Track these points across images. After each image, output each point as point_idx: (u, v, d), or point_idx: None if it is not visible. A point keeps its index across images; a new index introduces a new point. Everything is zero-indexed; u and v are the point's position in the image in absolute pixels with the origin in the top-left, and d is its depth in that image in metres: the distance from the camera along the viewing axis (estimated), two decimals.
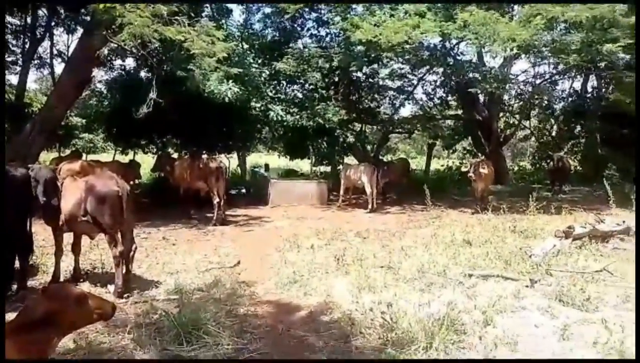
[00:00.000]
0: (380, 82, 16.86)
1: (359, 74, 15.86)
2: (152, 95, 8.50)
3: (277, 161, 21.92)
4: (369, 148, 17.17)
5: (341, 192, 12.58)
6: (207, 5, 14.26)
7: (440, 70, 15.42)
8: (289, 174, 16.86)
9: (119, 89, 14.49)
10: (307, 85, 14.04)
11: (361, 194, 13.12)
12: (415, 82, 16.76)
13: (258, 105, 13.49)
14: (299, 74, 13.51)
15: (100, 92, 14.90)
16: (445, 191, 14.61)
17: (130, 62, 14.89)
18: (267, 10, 15.67)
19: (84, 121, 15.67)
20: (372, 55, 12.98)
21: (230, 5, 14.26)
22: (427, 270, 5.62)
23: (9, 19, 11.86)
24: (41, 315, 2.70)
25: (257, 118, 14.43)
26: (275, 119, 13.21)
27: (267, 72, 12.60)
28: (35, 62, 13.36)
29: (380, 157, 17.09)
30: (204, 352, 3.47)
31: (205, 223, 9.62)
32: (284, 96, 13.96)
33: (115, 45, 8.63)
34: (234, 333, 3.80)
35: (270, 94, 12.94)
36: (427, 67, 15.20)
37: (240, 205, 12.35)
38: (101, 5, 7.63)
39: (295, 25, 15.76)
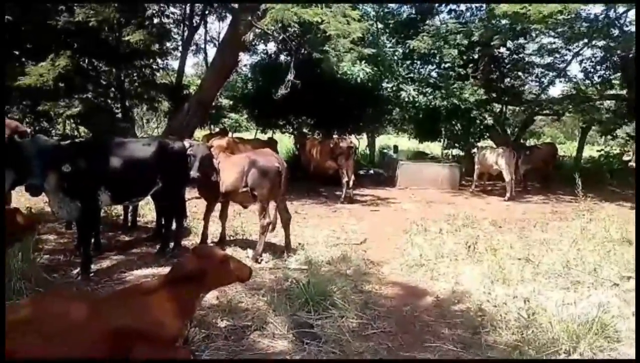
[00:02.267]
0: (526, 59, 15.34)
1: (502, 50, 14.64)
2: (290, 77, 8.90)
3: (406, 143, 21.52)
4: (509, 131, 15.86)
5: (475, 177, 11.87)
6: None
7: (601, 43, 13.46)
8: (418, 156, 16.43)
9: (260, 73, 15.51)
10: (442, 64, 13.37)
11: (497, 181, 12.24)
12: (568, 57, 14.89)
13: (390, 85, 13.34)
14: (435, 52, 12.94)
15: (245, 76, 16.07)
16: (600, 181, 12.85)
17: (271, 47, 15.80)
18: None
19: (230, 102, 17.12)
20: (518, 28, 11.86)
21: None
22: (573, 267, 5.02)
23: (171, 9, 13.31)
24: (191, 271, 3.04)
25: (388, 99, 14.29)
26: (407, 99, 12.93)
27: (401, 51, 12.31)
28: (192, 48, 14.93)
29: (522, 141, 15.68)
30: (330, 322, 3.57)
31: (334, 200, 9.89)
32: (417, 75, 13.52)
33: (259, 30, 9.14)
34: (358, 308, 3.84)
35: (402, 73, 12.65)
36: (585, 40, 13.36)
37: (367, 185, 12.43)
38: None
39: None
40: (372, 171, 14.97)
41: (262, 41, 13.61)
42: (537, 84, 15.78)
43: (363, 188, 11.76)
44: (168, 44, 13.52)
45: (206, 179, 5.25)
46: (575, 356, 3.16)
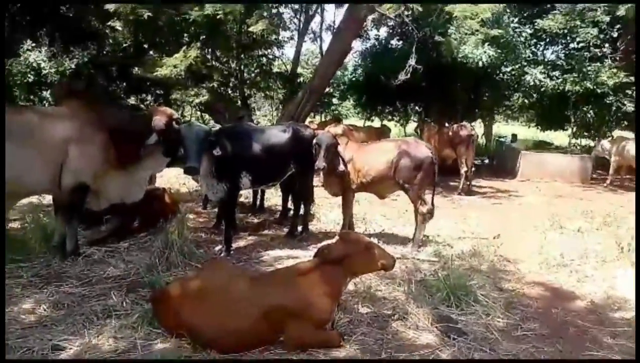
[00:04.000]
0: None
1: None
2: (412, 61, 8.66)
3: (524, 131, 19.98)
4: None
5: (611, 171, 10.66)
6: None
7: None
8: (541, 146, 15.17)
9: (371, 59, 15.36)
10: (574, 43, 12.07)
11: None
12: None
13: (510, 69, 12.41)
14: (566, 31, 11.72)
15: (355, 63, 16.07)
16: None
17: (382, 33, 15.56)
18: None
19: (339, 89, 17.26)
20: None
21: None
22: None
23: None
24: (338, 255, 3.09)
25: (508, 83, 13.35)
26: (532, 83, 11.93)
27: (528, 32, 11.34)
28: (309, 36, 15.24)
29: None
30: (475, 319, 3.41)
31: (450, 191, 9.52)
32: (543, 57, 12.38)
33: (379, 14, 9.00)
34: (502, 307, 3.62)
35: (528, 55, 11.67)
36: None
37: (484, 176, 11.79)
38: None
39: None
40: (487, 161, 14.17)
41: (375, 27, 13.40)
42: None
43: (479, 179, 11.18)
44: (285, 33, 13.94)
45: (332, 169, 5.08)
46: None
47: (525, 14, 12.40)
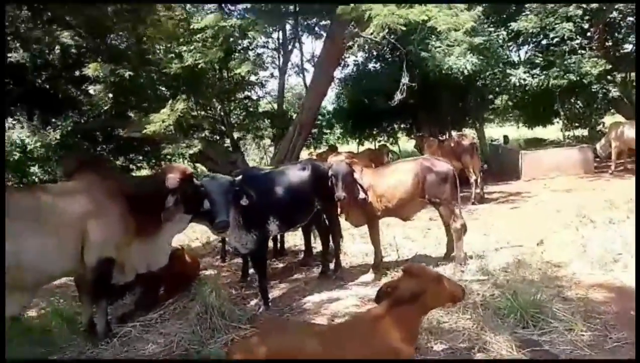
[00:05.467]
0: None
1: (614, 14, 13.17)
2: (405, 80, 8.63)
3: (513, 131, 20.15)
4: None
5: (613, 157, 10.67)
6: None
7: None
8: (534, 143, 15.26)
9: (352, 85, 15.47)
10: (548, 40, 12.26)
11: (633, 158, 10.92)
12: None
13: (494, 73, 12.53)
14: (541, 29, 11.94)
15: (339, 90, 16.14)
16: None
17: (359, 57, 15.71)
18: None
19: (324, 118, 17.27)
20: None
21: None
22: None
23: (263, 38, 13.66)
24: (412, 292, 2.84)
25: (492, 88, 13.48)
26: (517, 84, 12.03)
27: (505, 34, 11.52)
28: (293, 70, 15.27)
29: None
30: (558, 337, 3.18)
31: (463, 201, 9.32)
32: (519, 58, 12.55)
33: (363, 39, 9.02)
34: (580, 318, 3.39)
35: (509, 58, 11.83)
36: None
37: (488, 181, 11.68)
38: (351, 5, 8.07)
39: None
40: (485, 165, 14.13)
41: (362, 50, 13.49)
42: None
43: (486, 186, 11.06)
44: (266, 73, 13.94)
45: (352, 198, 4.93)
46: None
47: (497, 18, 12.63)
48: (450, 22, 8.25)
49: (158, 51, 11.57)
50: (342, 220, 5.48)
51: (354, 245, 6.46)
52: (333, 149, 12.65)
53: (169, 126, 10.88)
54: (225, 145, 13.55)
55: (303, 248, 6.41)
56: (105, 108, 12.79)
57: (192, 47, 11.21)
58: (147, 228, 4.16)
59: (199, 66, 10.84)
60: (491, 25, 11.75)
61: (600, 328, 3.28)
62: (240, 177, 4.22)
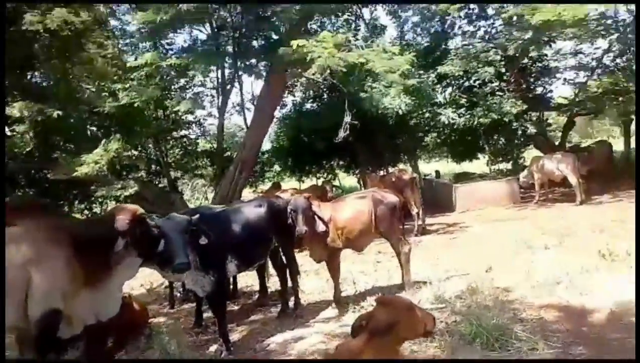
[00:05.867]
0: (551, 64, 15.36)
1: (525, 60, 14.69)
2: (347, 118, 8.93)
3: (441, 166, 21.32)
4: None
5: (537, 188, 11.60)
6: (361, 25, 14.85)
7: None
8: (463, 177, 16.23)
9: (291, 123, 15.71)
10: (474, 81, 13.35)
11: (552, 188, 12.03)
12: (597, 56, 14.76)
13: (424, 112, 13.32)
14: (465, 73, 13.03)
15: (278, 128, 16.28)
16: None
17: (298, 97, 16.08)
18: (415, 19, 15.74)
19: (263, 157, 17.24)
20: (545, 37, 11.95)
21: (383, 22, 14.52)
22: None
23: (201, 78, 13.56)
24: (387, 323, 2.83)
25: (423, 126, 14.27)
26: (446, 122, 12.88)
27: (433, 77, 12.40)
28: (233, 109, 15.20)
29: (568, 144, 15.44)
30: (523, 357, 3.31)
31: (407, 233, 9.61)
32: (453, 97, 13.51)
33: (304, 79, 9.28)
34: (541, 338, 3.56)
35: (439, 99, 12.68)
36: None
37: (426, 214, 12.18)
38: (294, 45, 8.32)
39: (446, 27, 15.47)
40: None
41: (303, 90, 13.81)
42: (571, 85, 15.59)
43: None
44: (204, 112, 13.79)
45: (313, 232, 5.00)
46: None
47: (426, 62, 13.58)
48: (386, 64, 8.76)
49: (88, 89, 11.06)
50: (299, 257, 5.45)
51: (309, 281, 6.40)
52: (277, 186, 12.59)
53: (102, 166, 10.34)
54: (161, 185, 13.09)
55: (256, 288, 6.26)
56: (28, 149, 11.93)
57: (127, 86, 10.93)
58: (96, 274, 3.82)
59: (135, 105, 10.53)
60: (420, 69, 12.61)
61: (560, 345, 3.46)
62: (197, 216, 4.06)
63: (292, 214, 4.83)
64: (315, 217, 4.98)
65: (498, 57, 12.21)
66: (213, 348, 4.38)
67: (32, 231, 3.56)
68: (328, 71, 8.67)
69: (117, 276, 4.02)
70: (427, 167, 22.21)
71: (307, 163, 16.77)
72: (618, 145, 17.13)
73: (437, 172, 15.98)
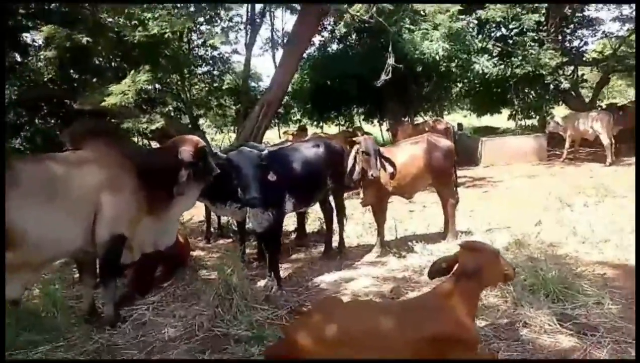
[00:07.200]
0: (591, 15, 14.62)
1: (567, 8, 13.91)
2: (390, 60, 8.61)
3: (461, 119, 20.94)
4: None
5: (566, 145, 11.40)
6: None
7: None
8: (487, 131, 15.96)
9: (320, 65, 15.13)
10: (512, 30, 12.72)
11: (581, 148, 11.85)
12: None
13: (460, 60, 12.81)
14: (505, 19, 12.38)
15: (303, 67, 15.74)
16: None
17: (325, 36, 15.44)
18: None
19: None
20: None
21: None
22: None
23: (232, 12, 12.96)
24: (472, 268, 2.82)
25: (456, 74, 13.78)
26: (480, 71, 12.42)
27: (475, 22, 11.81)
28: (264, 48, 14.73)
29: (600, 102, 15.01)
30: (590, 311, 3.33)
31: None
32: (489, 45, 12.91)
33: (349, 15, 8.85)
34: (605, 293, 3.57)
35: (476, 45, 12.14)
36: None
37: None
38: None
39: None
40: None
41: (347, 27, 13.15)
42: (609, 39, 14.88)
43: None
44: (228, 48, 13.37)
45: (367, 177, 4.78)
46: None
47: (466, 6, 12.89)
48: (435, 4, 8.33)
49: (117, 17, 10.69)
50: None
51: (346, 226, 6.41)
52: (303, 129, 12.42)
53: (130, 98, 10.17)
54: (184, 122, 12.94)
55: (291, 228, 6.31)
56: (50, 76, 11.72)
57: (156, 15, 10.51)
58: (159, 203, 3.84)
59: (165, 36, 10.18)
60: (460, 13, 12.02)
61: (624, 302, 3.47)
62: (266, 151, 3.99)
63: (364, 156, 4.68)
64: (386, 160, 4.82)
65: (544, 4, 11.54)
66: (262, 282, 4.44)
67: (103, 157, 3.53)
68: (374, 9, 8.25)
69: (177, 206, 4.04)
70: (447, 119, 21.84)
71: (327, 109, 16.39)
72: None
73: (460, 125, 15.68)
